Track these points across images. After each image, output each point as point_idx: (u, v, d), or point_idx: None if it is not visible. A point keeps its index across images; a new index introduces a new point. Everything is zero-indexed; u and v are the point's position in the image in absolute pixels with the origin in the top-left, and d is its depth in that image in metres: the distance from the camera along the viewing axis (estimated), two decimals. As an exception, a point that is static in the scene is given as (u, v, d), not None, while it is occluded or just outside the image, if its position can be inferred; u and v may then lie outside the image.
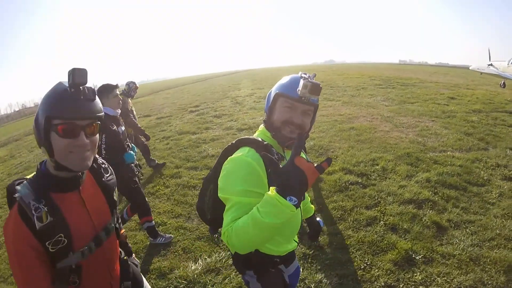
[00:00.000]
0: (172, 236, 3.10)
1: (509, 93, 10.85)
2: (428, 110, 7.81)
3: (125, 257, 1.25)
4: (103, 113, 0.96)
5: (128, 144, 2.76)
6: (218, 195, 1.09)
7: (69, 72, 0.86)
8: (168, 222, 3.42)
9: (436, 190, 3.56)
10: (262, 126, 1.22)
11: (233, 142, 1.17)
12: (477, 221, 2.96)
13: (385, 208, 3.24)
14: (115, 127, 2.56)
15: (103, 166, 1.14)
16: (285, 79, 1.14)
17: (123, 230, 1.30)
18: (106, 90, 2.57)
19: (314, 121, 1.18)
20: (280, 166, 0.89)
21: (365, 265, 2.49)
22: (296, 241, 1.32)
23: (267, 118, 1.17)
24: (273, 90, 1.16)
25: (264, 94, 13.13)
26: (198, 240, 3.03)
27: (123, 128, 2.73)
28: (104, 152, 2.40)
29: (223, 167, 1.11)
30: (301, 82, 1.03)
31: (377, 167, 4.23)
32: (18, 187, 0.90)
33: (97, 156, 1.11)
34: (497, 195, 3.46)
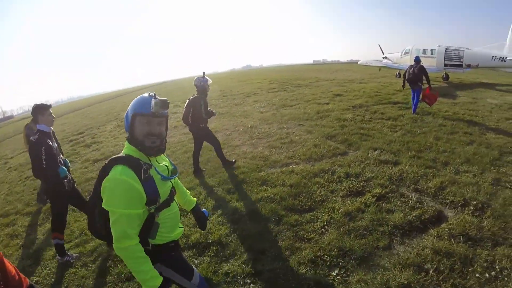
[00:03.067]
0: (79, 255, 3.04)
1: (400, 82, 10.15)
2: (302, 112, 7.66)
3: None
4: None
5: (61, 160, 2.89)
6: (103, 205, 1.30)
7: None
8: None
9: (225, 232, 2.91)
10: (127, 143, 1.41)
11: (106, 162, 1.35)
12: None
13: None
14: (50, 142, 2.73)
15: None
16: (136, 101, 1.38)
17: (27, 281, 1.10)
18: (42, 108, 2.75)
19: (168, 129, 1.51)
20: (150, 173, 1.35)
21: None
22: (181, 226, 1.59)
23: (130, 136, 1.39)
24: (129, 112, 1.39)
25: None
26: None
27: (55, 144, 2.89)
28: (44, 163, 2.63)
29: (103, 185, 1.31)
30: (153, 101, 1.35)
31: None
32: None
33: None
34: (323, 224, 2.87)
